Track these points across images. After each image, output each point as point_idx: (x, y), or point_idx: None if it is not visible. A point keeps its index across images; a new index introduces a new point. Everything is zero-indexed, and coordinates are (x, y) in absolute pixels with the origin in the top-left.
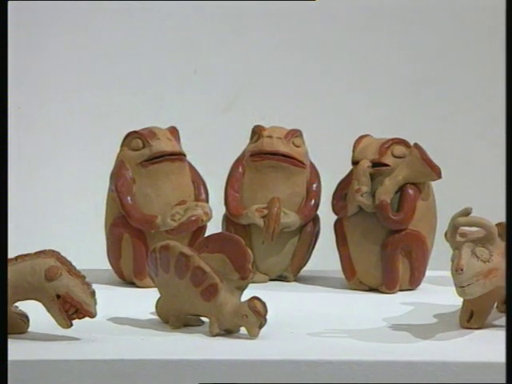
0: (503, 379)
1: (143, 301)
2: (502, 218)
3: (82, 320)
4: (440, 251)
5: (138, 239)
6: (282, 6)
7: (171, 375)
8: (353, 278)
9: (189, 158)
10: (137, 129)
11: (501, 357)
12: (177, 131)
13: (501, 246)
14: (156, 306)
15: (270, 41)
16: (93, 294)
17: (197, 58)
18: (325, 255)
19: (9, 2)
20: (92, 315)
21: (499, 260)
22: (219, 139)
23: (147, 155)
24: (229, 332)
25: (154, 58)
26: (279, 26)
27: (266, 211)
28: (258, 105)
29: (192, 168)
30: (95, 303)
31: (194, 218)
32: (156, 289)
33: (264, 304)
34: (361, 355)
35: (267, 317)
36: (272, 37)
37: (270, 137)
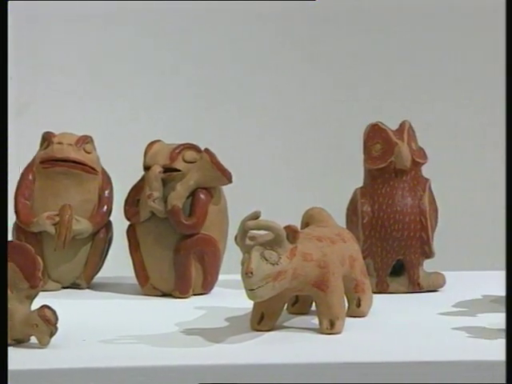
0: (288, 380)
1: None
2: (502, 218)
3: None
4: (232, 255)
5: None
6: None
7: None
8: (146, 284)
9: None
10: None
11: (291, 358)
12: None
13: (289, 248)
14: None
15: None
16: None
17: None
18: (118, 262)
19: (9, 2)
20: None
21: (288, 262)
22: (10, 145)
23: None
24: (19, 342)
25: None
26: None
27: (57, 218)
28: (49, 110)
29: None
30: None
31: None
32: None
33: (54, 312)
34: (155, 361)
35: (58, 325)
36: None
37: (61, 143)
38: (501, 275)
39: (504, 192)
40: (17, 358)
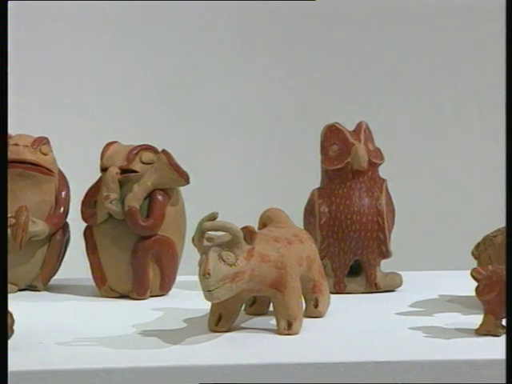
0: (245, 380)
1: None
2: (502, 218)
3: None
4: (189, 256)
5: None
6: None
7: None
8: (104, 286)
9: None
10: None
11: (248, 359)
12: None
13: (246, 249)
14: None
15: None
16: None
17: None
18: (75, 263)
19: (9, 2)
20: None
21: (245, 263)
22: None
23: None
24: None
25: None
26: None
27: (13, 220)
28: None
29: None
30: None
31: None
32: None
33: (11, 315)
34: (111, 363)
35: (15, 328)
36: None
37: (17, 145)
38: (457, 275)
39: (458, 193)
40: None
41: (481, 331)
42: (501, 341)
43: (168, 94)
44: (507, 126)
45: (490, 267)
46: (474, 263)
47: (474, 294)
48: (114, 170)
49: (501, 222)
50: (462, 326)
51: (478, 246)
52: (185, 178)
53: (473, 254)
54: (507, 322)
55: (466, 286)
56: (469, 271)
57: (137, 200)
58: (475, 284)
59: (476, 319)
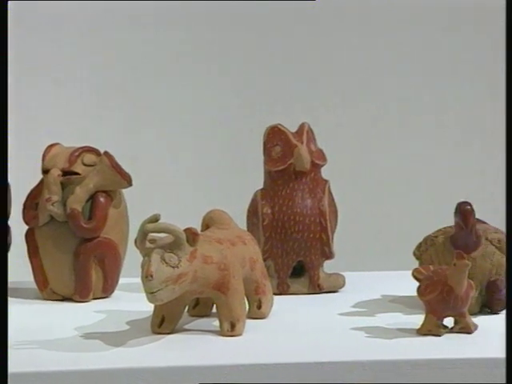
0: (188, 382)
1: None
2: (442, 218)
3: None
4: (132, 258)
5: None
6: None
7: None
8: (46, 289)
9: None
10: None
11: (191, 360)
12: None
13: (189, 251)
14: None
15: None
16: None
17: None
18: (17, 266)
19: (9, 2)
20: None
21: (188, 265)
22: None
23: None
24: None
25: None
26: None
27: None
28: None
29: None
30: None
31: None
32: None
33: None
34: (53, 366)
35: None
36: None
37: None
38: (399, 275)
39: (400, 194)
40: None
41: (422, 331)
42: (441, 340)
43: (110, 96)
44: (507, 125)
45: (431, 267)
46: (416, 263)
47: (415, 294)
48: (55, 172)
49: (441, 223)
50: (404, 325)
51: (419, 246)
52: (127, 180)
53: (414, 254)
54: (507, 322)
55: (408, 286)
56: (410, 271)
57: (79, 202)
58: (417, 284)
59: (417, 319)
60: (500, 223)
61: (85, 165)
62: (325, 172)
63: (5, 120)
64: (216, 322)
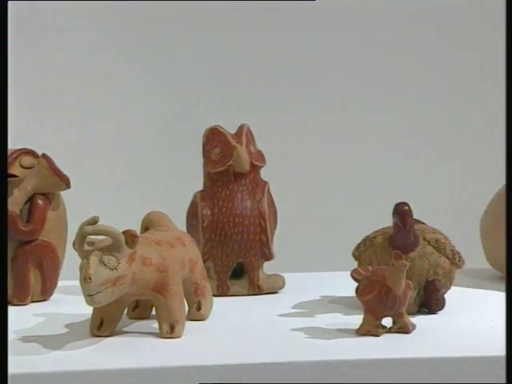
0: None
1: None
2: (381, 219)
3: None
4: (71, 261)
5: None
6: None
7: None
8: None
9: None
10: None
11: (130, 363)
12: None
13: (128, 253)
14: None
15: None
16: None
17: None
18: None
19: (9, 2)
20: None
21: (126, 267)
22: None
23: None
24: None
25: None
26: None
27: None
28: None
29: None
30: None
31: None
32: None
33: None
34: None
35: None
36: None
37: None
38: (338, 276)
39: (339, 195)
40: None
41: (361, 331)
42: (380, 340)
43: (46, 98)
44: (507, 126)
45: (369, 268)
46: (355, 264)
47: (354, 294)
48: None
49: (380, 223)
50: (343, 326)
51: (358, 246)
52: (65, 182)
53: (353, 255)
54: (507, 322)
55: (347, 286)
56: (349, 272)
57: (17, 205)
58: (356, 284)
59: (356, 319)
60: (441, 223)
61: (23, 167)
62: (264, 173)
63: (5, 121)
64: (155, 324)
